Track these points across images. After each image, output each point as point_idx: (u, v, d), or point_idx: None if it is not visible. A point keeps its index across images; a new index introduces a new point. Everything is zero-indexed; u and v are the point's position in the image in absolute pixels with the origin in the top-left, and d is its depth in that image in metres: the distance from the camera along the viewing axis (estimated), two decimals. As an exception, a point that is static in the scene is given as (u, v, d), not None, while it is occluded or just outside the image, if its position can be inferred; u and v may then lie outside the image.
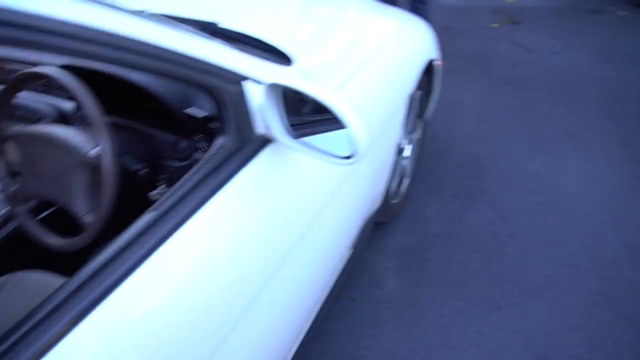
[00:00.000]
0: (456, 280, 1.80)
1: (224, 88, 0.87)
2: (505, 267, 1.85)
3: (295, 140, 0.90)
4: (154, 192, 1.18)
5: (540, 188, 2.25)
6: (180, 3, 1.91)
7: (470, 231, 2.02)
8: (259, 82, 0.94)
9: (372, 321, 1.67)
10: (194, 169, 0.87)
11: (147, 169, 1.08)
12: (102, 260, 0.69)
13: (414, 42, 1.82)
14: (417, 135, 2.12)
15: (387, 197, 1.81)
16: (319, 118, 0.86)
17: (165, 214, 0.78)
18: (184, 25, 1.18)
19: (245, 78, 0.92)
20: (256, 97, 0.93)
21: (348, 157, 0.84)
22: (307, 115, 0.98)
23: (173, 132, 1.17)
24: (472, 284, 1.79)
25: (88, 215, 0.99)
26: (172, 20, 1.22)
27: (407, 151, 2.00)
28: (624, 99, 2.96)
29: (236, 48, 1.24)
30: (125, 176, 1.12)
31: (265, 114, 0.91)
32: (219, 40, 1.29)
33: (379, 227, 2.01)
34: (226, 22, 1.50)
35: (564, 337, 1.58)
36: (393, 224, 2.06)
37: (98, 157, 0.94)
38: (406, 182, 2.09)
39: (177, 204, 0.81)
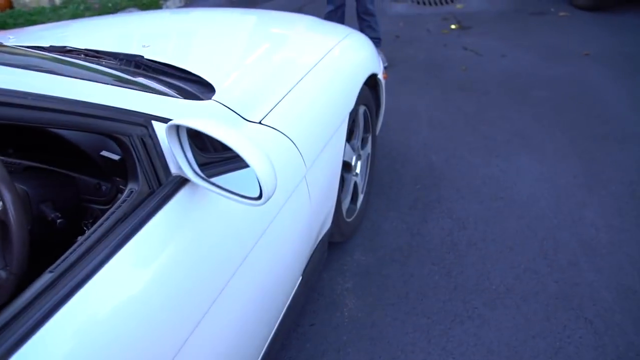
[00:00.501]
0: (417, 296, 1.76)
1: (127, 132, 0.81)
2: (466, 278, 1.82)
3: (204, 180, 0.84)
4: (81, 236, 1.10)
5: (496, 193, 2.24)
6: (113, 35, 1.84)
7: (429, 243, 1.99)
8: (167, 121, 0.88)
9: (332, 346, 1.61)
10: (102, 219, 0.80)
11: (62, 219, 1.00)
12: (11, 311, 0.64)
13: (352, 59, 1.79)
14: (367, 150, 2.09)
15: (340, 216, 1.76)
16: (234, 155, 0.80)
17: (65, 272, 0.71)
18: (91, 65, 1.12)
19: (153, 118, 0.86)
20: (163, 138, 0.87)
21: (260, 197, 0.79)
22: (224, 152, 0.92)
23: (95, 175, 1.10)
24: (433, 298, 1.75)
25: (1, 272, 0.91)
26: (74, 61, 1.16)
27: (358, 168, 1.96)
28: (571, 97, 3.02)
29: (158, 81, 1.18)
30: (44, 225, 1.04)
31: (174, 155, 0.85)
32: (141, 75, 1.23)
33: (336, 246, 1.97)
34: (156, 52, 1.44)
35: (526, 346, 1.55)
36: (350, 242, 2.01)
37: (3, 212, 0.86)
38: (361, 198, 2.05)
39: (82, 258, 0.74)
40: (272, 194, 0.77)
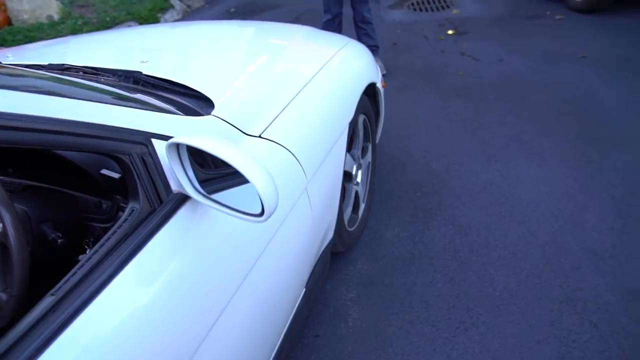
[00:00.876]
0: (421, 304, 1.76)
1: (127, 150, 0.82)
2: (469, 285, 1.81)
3: (206, 198, 0.85)
4: (82, 255, 1.11)
5: (497, 198, 2.24)
6: (112, 51, 1.86)
7: (431, 251, 1.99)
8: (167, 139, 0.88)
9: (338, 357, 1.61)
10: (104, 238, 0.80)
11: (62, 239, 1.00)
12: (13, 336, 0.64)
13: (351, 68, 1.80)
14: (368, 159, 2.09)
15: (342, 226, 1.76)
16: (235, 171, 0.80)
17: (67, 295, 0.71)
18: (89, 83, 1.12)
19: (153, 136, 0.87)
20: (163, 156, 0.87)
21: (262, 213, 0.79)
22: (224, 167, 0.93)
23: (95, 194, 1.10)
24: (437, 306, 1.75)
25: (1, 294, 0.91)
26: (73, 80, 1.16)
27: (359, 177, 1.96)
28: (568, 100, 3.02)
29: (157, 97, 1.19)
30: (45, 245, 1.05)
31: (174, 173, 0.86)
32: (139, 91, 1.24)
33: (339, 256, 1.96)
34: (155, 68, 1.45)
35: (532, 352, 1.55)
36: (353, 252, 2.01)
37: (3, 234, 0.86)
38: (362, 207, 2.05)
39: (84, 279, 0.74)
40: (274, 211, 0.77)
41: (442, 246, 2.01)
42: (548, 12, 4.52)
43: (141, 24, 5.18)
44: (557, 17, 4.40)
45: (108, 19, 5.26)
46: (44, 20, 5.21)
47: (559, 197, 2.21)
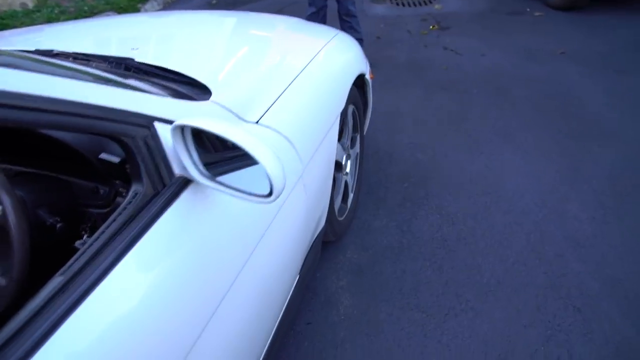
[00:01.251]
0: (411, 291, 1.79)
1: (130, 133, 0.81)
2: (458, 273, 1.85)
3: (211, 180, 0.85)
4: (79, 241, 1.09)
5: (482, 189, 2.29)
6: (99, 39, 1.82)
7: (419, 239, 2.02)
8: (170, 122, 0.88)
9: (330, 343, 1.63)
10: (108, 221, 0.80)
11: (61, 224, 0.98)
12: (22, 318, 0.64)
13: (341, 59, 1.81)
14: (356, 149, 2.11)
15: (333, 216, 1.77)
16: (238, 153, 0.81)
17: (75, 275, 0.71)
18: (84, 68, 1.10)
19: (155, 119, 0.86)
20: (166, 139, 0.87)
21: (269, 194, 0.79)
22: (226, 151, 0.93)
23: (92, 179, 1.09)
24: (426, 293, 1.78)
25: (1, 279, 0.89)
26: (70, 63, 1.14)
27: (348, 167, 1.98)
28: (549, 95, 3.10)
29: (151, 83, 1.18)
30: (43, 230, 1.03)
31: (179, 156, 0.85)
32: (133, 77, 1.22)
33: (329, 245, 1.98)
34: (146, 55, 1.43)
35: (519, 335, 1.59)
36: (343, 241, 2.02)
37: (2, 216, 0.85)
38: (351, 197, 2.07)
39: (90, 262, 0.73)
40: (282, 191, 0.78)
41: (430, 235, 2.04)
42: (528, 9, 4.61)
43: (120, 13, 5.08)
44: (537, 13, 4.50)
45: (86, 8, 5.14)
46: (17, 7, 5.06)
47: (542, 189, 2.27)
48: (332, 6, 3.55)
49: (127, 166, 0.99)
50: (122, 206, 0.83)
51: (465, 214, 2.14)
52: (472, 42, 4.00)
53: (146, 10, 5.36)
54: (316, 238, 1.58)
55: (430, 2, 5.04)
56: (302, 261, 1.46)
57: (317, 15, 3.52)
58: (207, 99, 1.17)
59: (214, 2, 5.58)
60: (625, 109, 2.86)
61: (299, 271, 1.43)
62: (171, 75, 1.31)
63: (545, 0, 4.60)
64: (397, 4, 5.08)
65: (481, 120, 2.88)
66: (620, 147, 2.51)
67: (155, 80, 1.28)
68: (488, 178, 2.36)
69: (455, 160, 2.52)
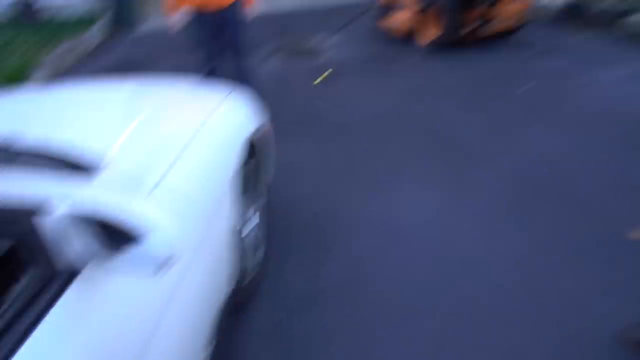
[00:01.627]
0: (323, 343, 1.80)
1: (17, 219, 0.79)
2: (368, 315, 1.91)
3: (103, 260, 0.84)
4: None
5: (381, 228, 2.42)
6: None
7: (330, 286, 2.07)
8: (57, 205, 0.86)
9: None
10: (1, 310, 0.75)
11: None
12: None
13: (231, 121, 1.86)
14: (261, 202, 2.14)
15: (241, 275, 1.77)
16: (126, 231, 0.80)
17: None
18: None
19: (43, 203, 0.84)
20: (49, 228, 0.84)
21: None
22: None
23: None
24: (337, 342, 1.80)
25: None
26: None
27: (254, 221, 1.99)
28: (433, 130, 3.42)
29: (38, 166, 1.13)
30: None
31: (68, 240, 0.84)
32: (19, 162, 1.16)
33: (242, 307, 1.95)
34: (30, 134, 1.37)
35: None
36: (255, 300, 2.01)
37: None
38: (259, 254, 2.08)
39: None
40: (169, 262, 0.79)
41: (339, 280, 2.10)
42: (408, 55, 5.10)
43: (5, 84, 4.73)
44: (415, 59, 4.99)
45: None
46: None
47: (435, 220, 2.44)
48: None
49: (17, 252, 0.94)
50: (15, 293, 0.78)
51: (370, 255, 2.23)
52: (360, 89, 4.32)
53: (35, 79, 5.07)
54: (225, 303, 1.56)
55: (317, 55, 5.37)
56: (212, 330, 1.43)
57: (213, 73, 3.60)
58: (95, 177, 1.15)
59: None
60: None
61: (211, 340, 1.40)
62: (56, 155, 1.27)
63: (417, 45, 5.16)
64: (288, 59, 5.36)
65: (371, 161, 3.09)
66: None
67: (40, 161, 1.23)
68: (385, 216, 2.50)
69: (353, 203, 2.64)
